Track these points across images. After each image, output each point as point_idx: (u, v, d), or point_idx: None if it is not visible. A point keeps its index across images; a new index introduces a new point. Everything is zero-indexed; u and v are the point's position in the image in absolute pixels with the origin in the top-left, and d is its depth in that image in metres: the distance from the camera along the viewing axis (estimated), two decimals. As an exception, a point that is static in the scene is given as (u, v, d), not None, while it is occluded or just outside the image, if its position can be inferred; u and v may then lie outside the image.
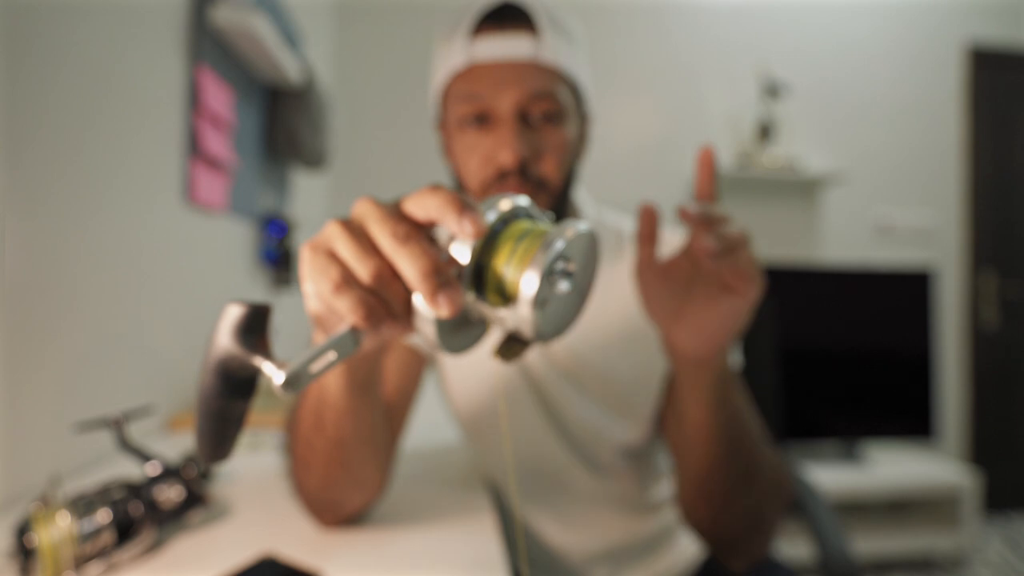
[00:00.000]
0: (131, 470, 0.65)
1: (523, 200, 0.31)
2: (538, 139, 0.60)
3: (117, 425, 0.54)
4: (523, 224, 0.30)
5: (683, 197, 2.29)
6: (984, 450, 2.43)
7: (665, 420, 0.63)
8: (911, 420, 2.15)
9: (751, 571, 0.62)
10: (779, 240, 2.35)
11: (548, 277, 0.28)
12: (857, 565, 0.73)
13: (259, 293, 1.37)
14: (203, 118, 1.00)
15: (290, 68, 1.27)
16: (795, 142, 2.31)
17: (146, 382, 0.85)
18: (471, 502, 0.63)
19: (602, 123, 2.18)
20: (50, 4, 0.63)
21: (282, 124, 1.38)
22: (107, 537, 0.45)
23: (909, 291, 2.19)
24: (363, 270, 0.29)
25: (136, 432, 0.79)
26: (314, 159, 1.49)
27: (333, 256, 0.30)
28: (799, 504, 0.82)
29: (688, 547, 0.72)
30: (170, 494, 0.51)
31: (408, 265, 0.28)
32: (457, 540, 0.53)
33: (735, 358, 0.43)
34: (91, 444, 0.69)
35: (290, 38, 1.42)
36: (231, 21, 1.02)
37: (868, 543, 1.94)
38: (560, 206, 0.64)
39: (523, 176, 0.60)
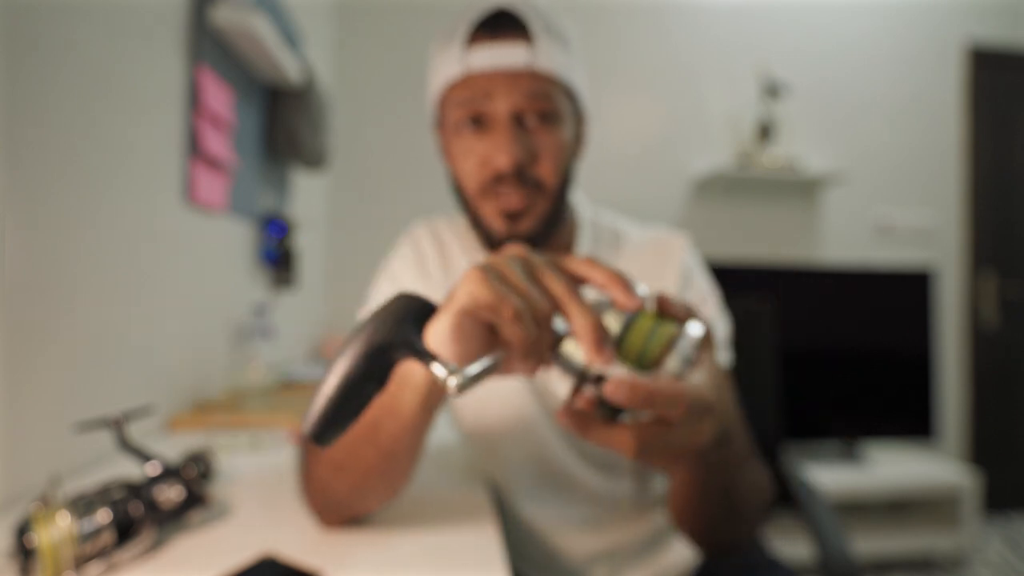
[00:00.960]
0: (131, 470, 0.65)
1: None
2: (534, 142, 0.61)
3: (117, 425, 0.54)
4: (647, 312, 0.36)
5: (683, 197, 2.29)
6: (984, 450, 2.43)
7: None
8: (911, 420, 2.15)
9: (751, 570, 0.62)
10: (779, 240, 2.35)
11: (683, 362, 0.34)
12: (857, 565, 0.73)
13: (259, 293, 1.37)
14: (203, 118, 1.00)
15: (290, 68, 1.27)
16: (795, 142, 2.31)
17: (146, 382, 0.85)
18: (471, 502, 0.63)
19: (602, 123, 2.18)
20: (50, 4, 0.63)
21: (282, 124, 1.38)
22: (107, 537, 0.45)
23: (909, 291, 2.19)
24: (540, 307, 0.33)
25: (136, 432, 0.79)
26: (314, 159, 1.49)
27: (513, 286, 0.33)
28: (799, 504, 0.82)
29: (688, 546, 0.72)
30: (170, 494, 0.51)
31: (581, 317, 0.32)
32: (457, 540, 0.53)
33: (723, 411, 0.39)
34: (91, 444, 0.69)
35: (290, 38, 1.42)
36: (231, 21, 1.02)
37: (868, 543, 1.94)
38: (557, 208, 0.64)
39: (519, 179, 0.60)
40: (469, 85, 0.60)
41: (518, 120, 0.60)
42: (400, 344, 0.31)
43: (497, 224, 0.63)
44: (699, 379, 0.35)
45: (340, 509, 0.53)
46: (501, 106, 0.59)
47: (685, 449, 0.35)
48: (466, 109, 0.60)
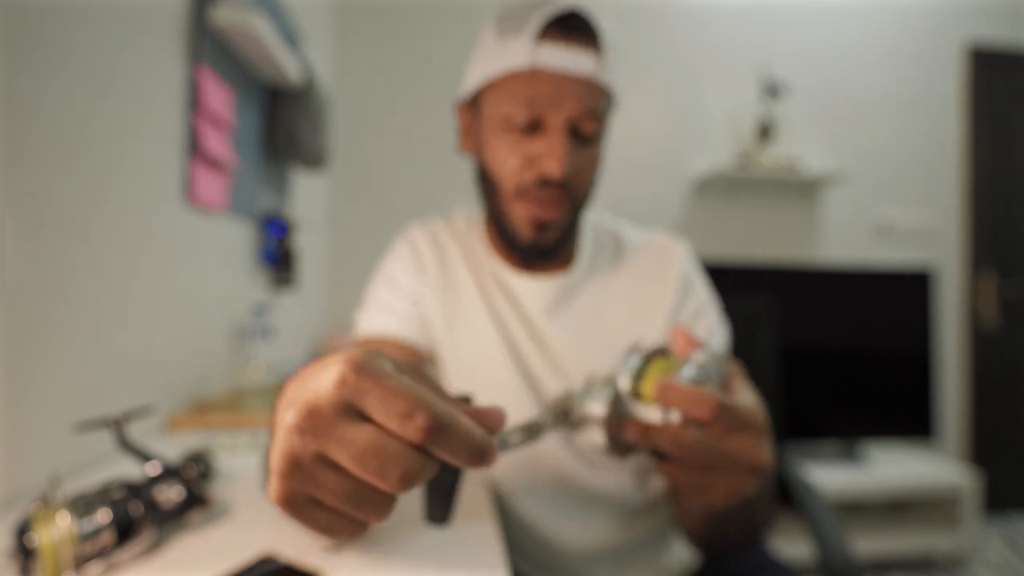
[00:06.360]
0: (131, 470, 0.65)
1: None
2: (581, 156, 0.61)
3: (117, 425, 0.54)
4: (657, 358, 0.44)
5: (683, 197, 2.29)
6: (984, 450, 2.43)
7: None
8: (911, 420, 2.15)
9: (752, 570, 0.62)
10: (779, 240, 2.35)
11: (711, 382, 0.40)
12: (857, 565, 0.73)
13: (259, 293, 1.37)
14: (203, 118, 1.00)
15: (290, 68, 1.27)
16: (795, 142, 2.31)
17: (146, 382, 0.85)
18: (471, 502, 0.63)
19: (602, 123, 2.18)
20: (50, 4, 0.63)
21: (282, 124, 1.38)
22: (107, 537, 0.45)
23: (909, 291, 2.19)
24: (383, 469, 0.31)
25: (136, 432, 0.79)
26: (314, 159, 1.49)
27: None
28: (799, 504, 0.82)
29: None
30: (170, 494, 0.51)
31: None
32: (457, 540, 0.53)
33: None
34: (91, 444, 0.69)
35: (290, 38, 1.42)
36: (231, 21, 1.02)
37: (868, 543, 1.94)
38: (576, 221, 0.66)
39: (562, 189, 0.60)
40: (535, 81, 0.58)
41: (572, 131, 0.59)
42: None
43: (526, 231, 0.63)
44: (745, 398, 0.37)
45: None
46: (560, 114, 0.58)
47: (748, 465, 0.36)
48: (525, 109, 0.58)
